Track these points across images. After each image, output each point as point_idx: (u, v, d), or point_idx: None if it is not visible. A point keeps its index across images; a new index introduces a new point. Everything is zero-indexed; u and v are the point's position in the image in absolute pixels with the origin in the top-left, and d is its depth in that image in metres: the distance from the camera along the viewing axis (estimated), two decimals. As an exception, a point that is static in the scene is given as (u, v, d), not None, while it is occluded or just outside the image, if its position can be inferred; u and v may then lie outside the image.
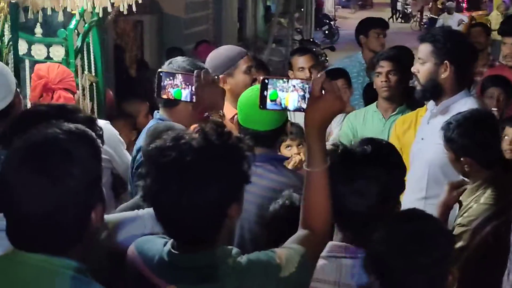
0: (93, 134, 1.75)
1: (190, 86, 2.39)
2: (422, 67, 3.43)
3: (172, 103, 3.12)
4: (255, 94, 3.06)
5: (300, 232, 1.97)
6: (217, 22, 11.37)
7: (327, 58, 13.48)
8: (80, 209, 1.65)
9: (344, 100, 1.98)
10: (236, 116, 3.22)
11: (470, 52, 3.57)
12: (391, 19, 33.04)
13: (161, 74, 2.41)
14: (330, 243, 2.15)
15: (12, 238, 1.65)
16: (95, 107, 4.42)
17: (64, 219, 1.62)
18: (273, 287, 1.79)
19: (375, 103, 4.50)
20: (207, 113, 2.32)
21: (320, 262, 2.06)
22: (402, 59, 4.38)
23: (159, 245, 1.88)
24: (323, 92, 1.92)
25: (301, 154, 3.88)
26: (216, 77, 2.38)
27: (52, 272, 1.62)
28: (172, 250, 1.82)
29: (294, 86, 1.97)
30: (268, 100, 1.99)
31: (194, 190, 1.71)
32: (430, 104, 3.55)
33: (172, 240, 1.86)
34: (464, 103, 3.33)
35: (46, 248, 1.62)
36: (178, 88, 2.41)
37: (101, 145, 1.77)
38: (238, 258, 1.82)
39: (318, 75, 1.96)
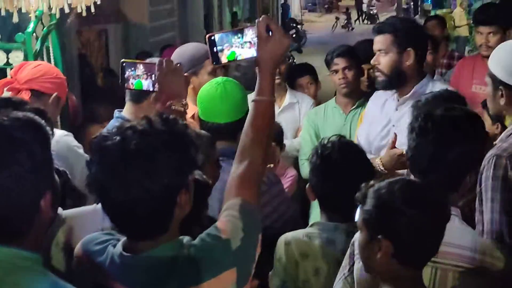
0: (42, 121, 1.70)
1: (152, 76, 2.38)
2: (384, 58, 3.46)
3: (136, 99, 3.08)
4: (214, 88, 3.04)
5: (234, 174, 1.99)
6: (183, 29, 11.28)
7: (294, 60, 13.60)
8: (27, 196, 1.60)
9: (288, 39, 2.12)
10: (196, 112, 3.18)
11: (427, 38, 3.85)
12: (357, 21, 33.42)
13: (123, 64, 2.40)
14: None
15: None
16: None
17: (11, 206, 1.58)
18: (231, 261, 1.77)
19: (333, 98, 4.49)
20: (169, 103, 2.29)
21: None
22: (355, 53, 4.39)
23: (109, 247, 1.81)
24: (270, 34, 2.03)
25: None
26: (178, 64, 2.34)
27: (23, 268, 1.57)
28: (124, 253, 1.76)
29: (250, 42, 2.06)
30: (222, 57, 2.07)
31: (139, 174, 1.67)
32: (386, 93, 3.59)
33: (121, 241, 1.80)
34: (432, 86, 3.44)
35: None
36: (139, 79, 2.39)
37: (50, 132, 1.72)
38: (191, 247, 1.77)
39: (260, 19, 2.05)
